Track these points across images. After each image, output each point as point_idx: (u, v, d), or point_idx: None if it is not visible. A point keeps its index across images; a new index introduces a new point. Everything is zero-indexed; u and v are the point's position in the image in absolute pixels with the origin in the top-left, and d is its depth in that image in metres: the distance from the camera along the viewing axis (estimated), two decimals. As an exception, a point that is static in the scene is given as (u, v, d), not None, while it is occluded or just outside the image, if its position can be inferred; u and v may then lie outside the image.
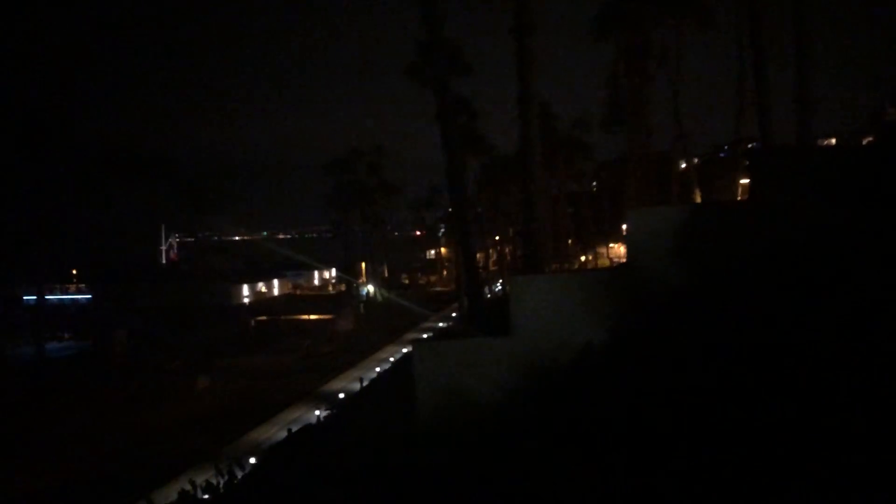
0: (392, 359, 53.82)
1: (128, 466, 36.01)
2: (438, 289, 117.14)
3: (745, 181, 36.31)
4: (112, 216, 64.75)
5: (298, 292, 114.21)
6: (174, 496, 9.32)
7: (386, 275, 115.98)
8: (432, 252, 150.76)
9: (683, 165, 44.45)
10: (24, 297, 75.26)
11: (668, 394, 4.94)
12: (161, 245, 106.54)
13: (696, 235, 6.90)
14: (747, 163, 30.17)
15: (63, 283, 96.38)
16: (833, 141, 51.89)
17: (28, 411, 45.50)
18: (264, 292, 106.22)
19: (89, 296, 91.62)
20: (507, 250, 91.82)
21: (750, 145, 37.29)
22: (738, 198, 32.86)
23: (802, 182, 7.14)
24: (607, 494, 4.41)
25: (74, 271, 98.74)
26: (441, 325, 70.31)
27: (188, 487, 9.19)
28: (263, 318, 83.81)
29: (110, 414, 45.97)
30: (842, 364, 4.52)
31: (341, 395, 44.09)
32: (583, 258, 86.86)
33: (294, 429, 19.26)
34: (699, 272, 6.63)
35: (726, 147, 72.01)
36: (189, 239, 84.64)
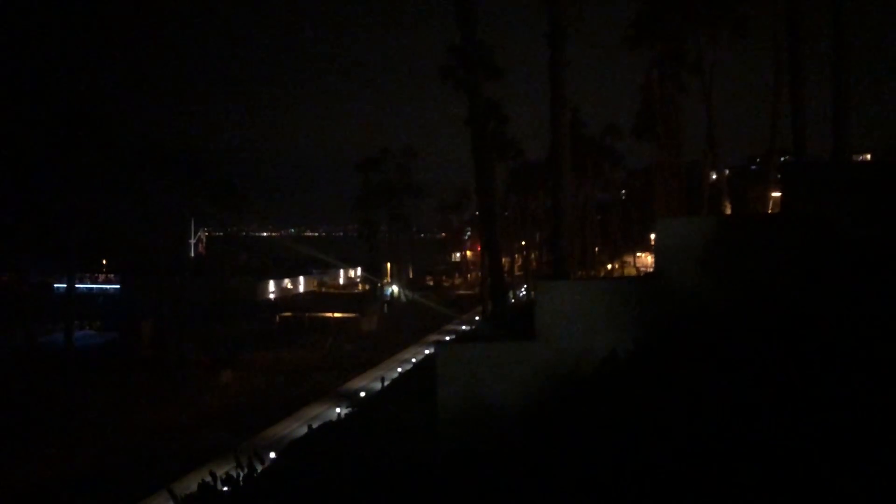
0: (414, 359, 53.86)
1: (150, 457, 36.43)
2: (462, 292, 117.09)
3: (776, 194, 35.86)
4: (143, 208, 65.49)
5: (323, 290, 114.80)
6: (194, 487, 9.39)
7: (411, 276, 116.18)
8: (457, 255, 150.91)
9: (714, 176, 43.98)
10: (55, 285, 76.56)
11: (694, 405, 4.88)
12: (190, 238, 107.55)
13: (726, 247, 6.82)
14: (780, 176, 29.78)
15: (93, 273, 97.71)
16: (868, 157, 51.07)
17: (53, 400, 46.15)
18: (290, 289, 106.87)
19: (118, 286, 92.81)
20: (532, 255, 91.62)
21: (783, 158, 36.80)
22: (770, 211, 32.46)
23: (837, 197, 7.03)
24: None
25: (104, 261, 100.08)
26: (464, 327, 70.22)
27: (208, 479, 9.26)
28: (288, 314, 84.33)
29: (135, 405, 46.50)
30: (876, 377, 4.45)
31: (362, 394, 44.24)
32: (609, 266, 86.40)
33: (315, 425, 19.34)
34: (728, 284, 6.55)
35: (758, 160, 71.29)
36: (218, 234, 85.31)
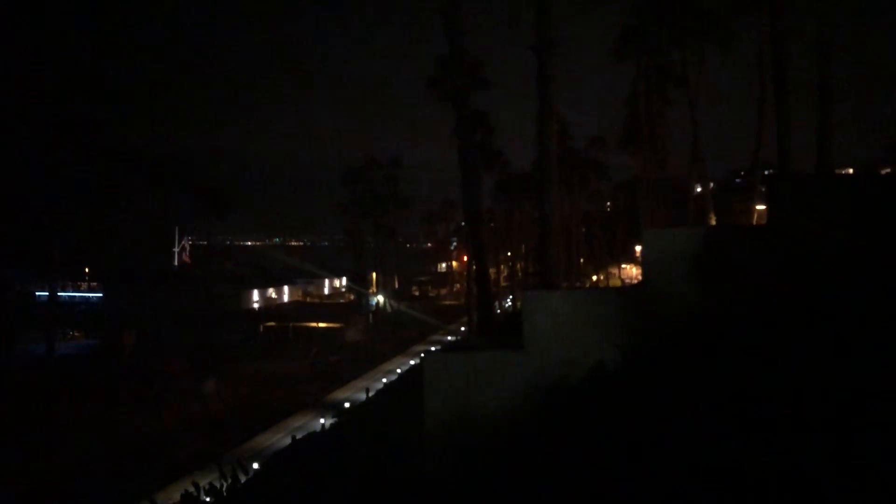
0: (399, 370, 53.70)
1: (132, 467, 36.06)
2: (448, 302, 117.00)
3: (761, 207, 36.15)
4: (127, 216, 65.10)
5: (308, 300, 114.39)
6: (177, 498, 9.29)
7: (396, 286, 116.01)
8: (443, 265, 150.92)
9: (699, 189, 44.28)
10: (37, 293, 75.76)
11: (680, 418, 4.89)
12: (174, 247, 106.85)
13: (712, 258, 6.86)
14: (764, 189, 30.02)
15: (75, 281, 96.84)
16: (850, 171, 51.61)
17: (35, 409, 45.55)
18: (274, 298, 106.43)
19: (100, 294, 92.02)
20: (518, 266, 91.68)
21: (767, 171, 37.13)
22: (754, 223, 32.70)
23: (820, 209, 7.09)
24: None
25: (87, 269, 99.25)
26: (450, 338, 70.17)
27: (191, 489, 9.17)
28: (272, 323, 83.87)
29: (117, 414, 46.01)
30: (858, 390, 4.48)
31: (347, 405, 44.04)
32: (594, 278, 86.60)
33: (298, 436, 19.24)
34: (714, 294, 6.59)
35: (743, 173, 71.86)
36: (202, 242, 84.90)
